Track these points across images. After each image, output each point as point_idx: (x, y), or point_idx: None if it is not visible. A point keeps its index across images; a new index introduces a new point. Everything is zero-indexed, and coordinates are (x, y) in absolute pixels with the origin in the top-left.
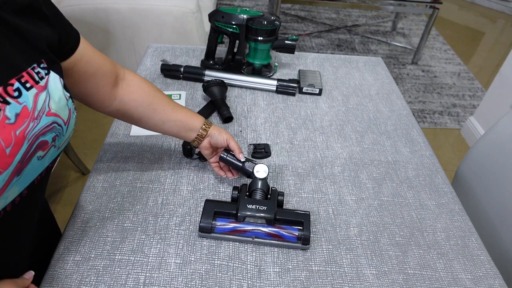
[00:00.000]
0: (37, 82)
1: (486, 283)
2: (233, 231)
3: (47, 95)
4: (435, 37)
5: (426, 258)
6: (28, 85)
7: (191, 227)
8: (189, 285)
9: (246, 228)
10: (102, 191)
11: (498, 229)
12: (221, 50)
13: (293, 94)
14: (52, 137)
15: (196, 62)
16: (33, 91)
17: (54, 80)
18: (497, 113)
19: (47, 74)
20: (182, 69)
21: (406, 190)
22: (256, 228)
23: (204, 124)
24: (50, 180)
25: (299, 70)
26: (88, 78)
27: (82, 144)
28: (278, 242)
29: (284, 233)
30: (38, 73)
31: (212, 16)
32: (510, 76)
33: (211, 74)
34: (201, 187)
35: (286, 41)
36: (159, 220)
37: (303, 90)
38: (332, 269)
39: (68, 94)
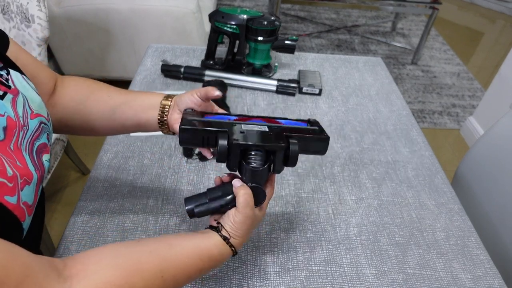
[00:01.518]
0: (8, 87)
1: (486, 283)
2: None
3: (23, 97)
4: (435, 37)
5: (425, 258)
6: (0, 92)
7: (191, 227)
8: (189, 285)
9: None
10: (102, 191)
11: (498, 229)
12: (221, 50)
13: (293, 94)
14: (46, 137)
15: (196, 62)
16: (9, 97)
17: (18, 79)
18: (496, 113)
19: (8, 73)
20: (182, 69)
21: (406, 190)
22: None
23: (165, 96)
24: (50, 180)
25: (299, 70)
26: None
27: (82, 144)
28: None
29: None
30: (1, 75)
31: (212, 16)
32: (510, 76)
33: (211, 74)
34: (201, 187)
35: (286, 41)
36: (159, 220)
37: (303, 90)
38: (332, 269)
39: (36, 89)
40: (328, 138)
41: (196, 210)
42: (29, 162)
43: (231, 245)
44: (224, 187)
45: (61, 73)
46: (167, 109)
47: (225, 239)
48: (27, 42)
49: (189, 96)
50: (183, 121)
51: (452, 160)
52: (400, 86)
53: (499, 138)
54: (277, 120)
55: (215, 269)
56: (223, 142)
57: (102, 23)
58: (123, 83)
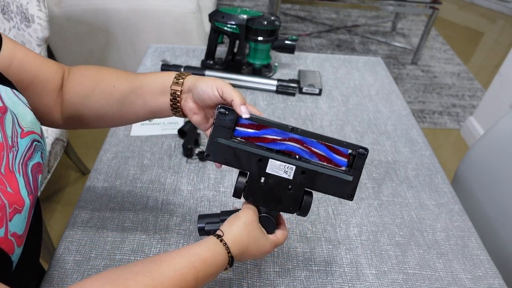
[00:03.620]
0: None
1: (486, 283)
2: (258, 138)
3: (12, 115)
4: (435, 37)
5: (426, 258)
6: None
7: (191, 227)
8: None
9: (276, 138)
10: (102, 191)
11: (498, 229)
12: (221, 50)
13: (293, 94)
14: (40, 156)
15: (196, 62)
16: None
17: (7, 94)
18: (496, 113)
19: None
20: (182, 70)
21: (406, 190)
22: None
23: (176, 77)
24: (50, 180)
25: (299, 70)
26: (26, 88)
27: (82, 144)
28: (323, 167)
29: (333, 154)
30: None
31: (212, 16)
32: (510, 76)
33: (211, 74)
34: (201, 187)
35: (286, 41)
36: (159, 220)
37: (303, 90)
38: (332, 269)
39: (29, 105)
40: (352, 190)
41: (206, 228)
42: (22, 186)
43: (224, 243)
44: (237, 211)
45: None
46: (178, 94)
47: (218, 236)
48: (27, 42)
49: (206, 90)
50: (211, 145)
51: (452, 160)
52: (400, 86)
53: (499, 138)
54: (314, 149)
55: (216, 276)
56: (240, 185)
57: (102, 23)
58: None
